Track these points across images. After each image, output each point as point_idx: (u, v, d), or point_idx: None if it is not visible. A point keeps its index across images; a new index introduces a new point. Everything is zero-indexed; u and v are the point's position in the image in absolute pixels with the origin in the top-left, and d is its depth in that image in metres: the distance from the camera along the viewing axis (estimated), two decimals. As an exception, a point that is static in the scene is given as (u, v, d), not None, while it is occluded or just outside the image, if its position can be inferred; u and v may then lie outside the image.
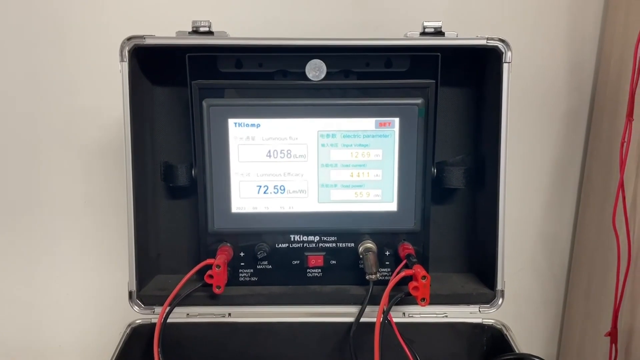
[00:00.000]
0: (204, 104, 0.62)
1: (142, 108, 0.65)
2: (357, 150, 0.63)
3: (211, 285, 0.63)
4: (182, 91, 0.63)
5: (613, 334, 0.70)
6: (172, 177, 0.67)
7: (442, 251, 0.71)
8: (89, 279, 0.87)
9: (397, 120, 0.62)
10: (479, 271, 0.70)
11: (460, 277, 0.71)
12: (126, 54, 0.60)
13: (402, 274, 0.60)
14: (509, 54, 0.60)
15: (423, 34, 0.61)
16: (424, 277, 0.59)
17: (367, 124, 0.63)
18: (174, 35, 0.61)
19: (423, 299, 0.59)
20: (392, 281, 0.60)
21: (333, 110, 0.63)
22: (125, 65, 0.60)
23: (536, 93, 0.81)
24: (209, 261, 0.63)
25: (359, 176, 0.64)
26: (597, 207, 0.79)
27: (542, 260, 0.89)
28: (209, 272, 0.62)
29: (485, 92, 0.66)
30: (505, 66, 0.61)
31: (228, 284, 0.64)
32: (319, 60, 0.62)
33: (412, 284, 0.60)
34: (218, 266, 0.62)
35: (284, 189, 0.64)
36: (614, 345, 0.70)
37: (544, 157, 0.85)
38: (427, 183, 0.64)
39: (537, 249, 0.89)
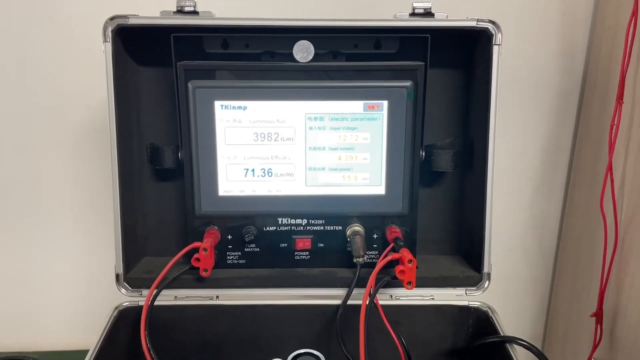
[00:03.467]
0: (190, 85, 0.60)
1: (128, 89, 0.64)
2: (345, 133, 0.63)
3: (198, 268, 0.63)
4: (169, 72, 0.62)
5: (599, 315, 0.70)
6: (158, 159, 0.66)
7: (429, 234, 0.71)
8: (78, 260, 0.87)
9: (385, 103, 0.62)
10: (466, 254, 0.70)
11: (447, 259, 0.71)
12: (109, 34, 0.58)
13: (389, 257, 0.61)
14: (499, 35, 0.60)
15: (413, 15, 0.60)
16: (410, 261, 0.59)
17: (356, 106, 0.62)
18: (159, 14, 0.59)
19: (409, 283, 0.60)
20: (379, 265, 0.60)
21: (321, 92, 0.62)
22: (109, 45, 0.59)
23: (527, 75, 0.81)
24: (195, 244, 0.63)
25: (347, 159, 0.63)
26: (586, 189, 0.79)
27: (531, 242, 0.90)
28: (196, 255, 0.62)
29: (475, 74, 0.65)
30: (495, 48, 0.60)
31: (216, 267, 0.65)
32: (306, 42, 0.61)
33: (399, 267, 0.60)
34: (205, 249, 0.62)
35: (271, 172, 0.63)
36: (599, 326, 0.70)
37: (535, 139, 0.84)
38: (415, 166, 0.64)
39: (527, 230, 0.89)
